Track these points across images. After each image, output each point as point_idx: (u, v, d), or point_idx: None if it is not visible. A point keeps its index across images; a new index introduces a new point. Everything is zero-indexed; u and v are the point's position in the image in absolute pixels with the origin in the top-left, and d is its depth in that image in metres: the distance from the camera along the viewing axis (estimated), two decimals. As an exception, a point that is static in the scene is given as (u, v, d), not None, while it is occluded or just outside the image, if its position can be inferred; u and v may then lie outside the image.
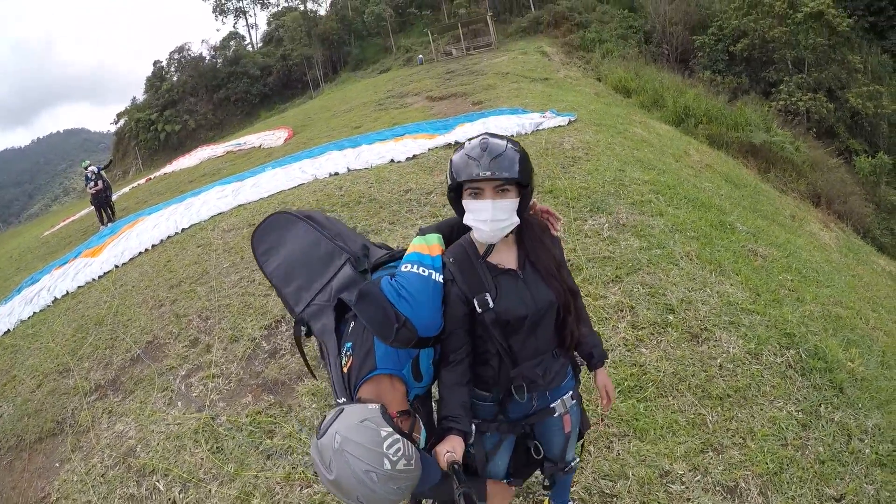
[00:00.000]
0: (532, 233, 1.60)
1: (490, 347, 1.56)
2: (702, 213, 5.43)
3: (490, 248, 1.54)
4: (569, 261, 4.33)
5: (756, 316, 3.52)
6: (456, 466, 1.38)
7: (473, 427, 1.60)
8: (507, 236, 1.53)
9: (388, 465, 1.25)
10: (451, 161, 1.49)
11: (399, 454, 1.28)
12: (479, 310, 1.51)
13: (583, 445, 1.94)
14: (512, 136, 8.13)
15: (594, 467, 2.56)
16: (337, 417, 1.30)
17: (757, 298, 3.76)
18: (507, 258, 1.58)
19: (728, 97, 18.41)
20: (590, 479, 2.50)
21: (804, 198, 11.27)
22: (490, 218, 1.42)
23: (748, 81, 21.73)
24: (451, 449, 1.42)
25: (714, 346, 3.26)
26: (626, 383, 3.04)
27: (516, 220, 1.48)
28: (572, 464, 1.89)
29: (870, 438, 2.62)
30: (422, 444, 1.48)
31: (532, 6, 33.25)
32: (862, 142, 19.13)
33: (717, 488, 2.37)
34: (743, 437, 2.61)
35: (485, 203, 1.43)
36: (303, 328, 1.66)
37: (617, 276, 4.08)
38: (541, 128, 8.45)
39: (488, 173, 1.39)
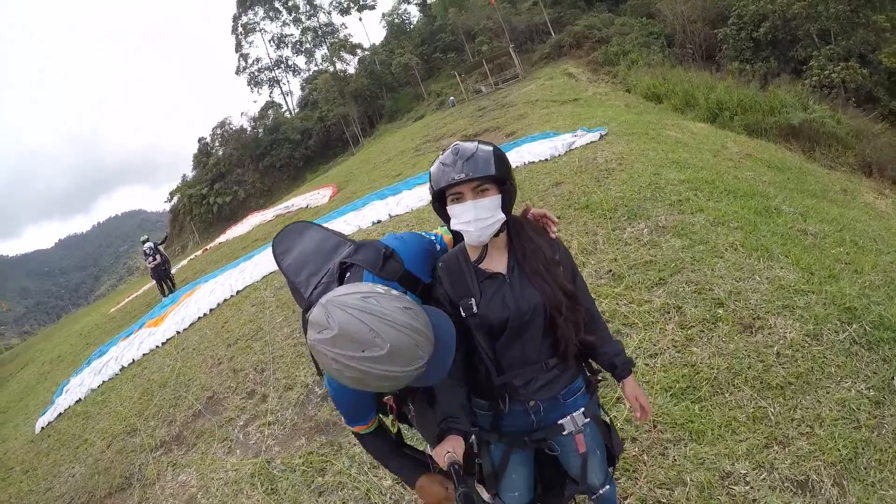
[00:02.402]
0: (523, 235, 1.58)
1: (479, 354, 1.55)
2: (744, 202, 5.22)
3: (484, 251, 1.53)
4: (610, 271, 4.27)
5: (811, 295, 3.29)
6: (456, 467, 1.36)
7: (474, 437, 1.57)
8: (497, 236, 1.51)
9: (381, 290, 1.21)
10: (429, 173, 1.51)
11: (387, 289, 1.24)
12: (463, 314, 1.51)
13: (613, 468, 1.80)
14: (545, 159, 8.22)
15: (648, 477, 2.42)
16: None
17: (810, 277, 3.53)
18: (497, 263, 1.56)
19: (760, 84, 17.78)
20: (644, 489, 2.37)
21: (854, 170, 10.62)
22: (473, 218, 1.43)
23: (777, 64, 21.03)
24: (450, 449, 1.40)
25: (769, 333, 3.07)
26: (677, 385, 2.90)
27: (502, 217, 1.47)
28: (602, 491, 1.73)
29: (954, 408, 2.36)
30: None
31: (551, 31, 33.66)
32: (904, 101, 18.00)
33: (786, 484, 2.18)
34: (810, 426, 2.41)
35: (466, 205, 1.43)
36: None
37: (661, 279, 3.95)
38: (573, 147, 8.43)
39: (463, 175, 1.40)
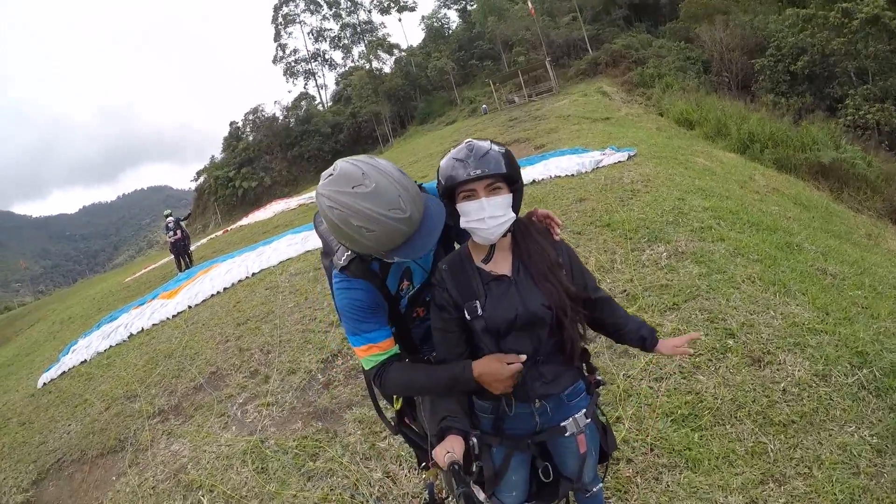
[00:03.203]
0: (528, 236, 1.57)
1: (483, 355, 1.53)
2: (766, 236, 5.17)
3: (491, 251, 1.53)
4: (624, 291, 4.25)
5: (824, 336, 3.23)
6: (456, 467, 1.35)
7: (475, 440, 1.56)
8: (503, 237, 1.50)
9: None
10: (438, 168, 1.48)
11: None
12: (468, 317, 1.50)
13: (606, 468, 1.82)
14: (572, 175, 8.27)
15: (640, 500, 2.40)
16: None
17: (825, 317, 3.46)
18: (501, 265, 1.55)
19: (793, 118, 17.59)
20: (634, 511, 2.35)
21: (881, 215, 10.42)
22: (487, 216, 1.41)
23: (812, 100, 20.81)
24: (450, 449, 1.39)
25: (777, 369, 3.02)
26: (679, 412, 2.86)
27: (512, 216, 1.47)
28: (594, 489, 1.76)
29: (957, 465, 2.29)
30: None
31: (589, 48, 33.59)
32: (940, 149, 17.53)
33: (778, 522, 2.14)
34: (808, 467, 2.36)
35: (479, 203, 1.41)
36: None
37: (674, 304, 3.93)
38: (601, 165, 8.46)
39: (478, 171, 1.38)
